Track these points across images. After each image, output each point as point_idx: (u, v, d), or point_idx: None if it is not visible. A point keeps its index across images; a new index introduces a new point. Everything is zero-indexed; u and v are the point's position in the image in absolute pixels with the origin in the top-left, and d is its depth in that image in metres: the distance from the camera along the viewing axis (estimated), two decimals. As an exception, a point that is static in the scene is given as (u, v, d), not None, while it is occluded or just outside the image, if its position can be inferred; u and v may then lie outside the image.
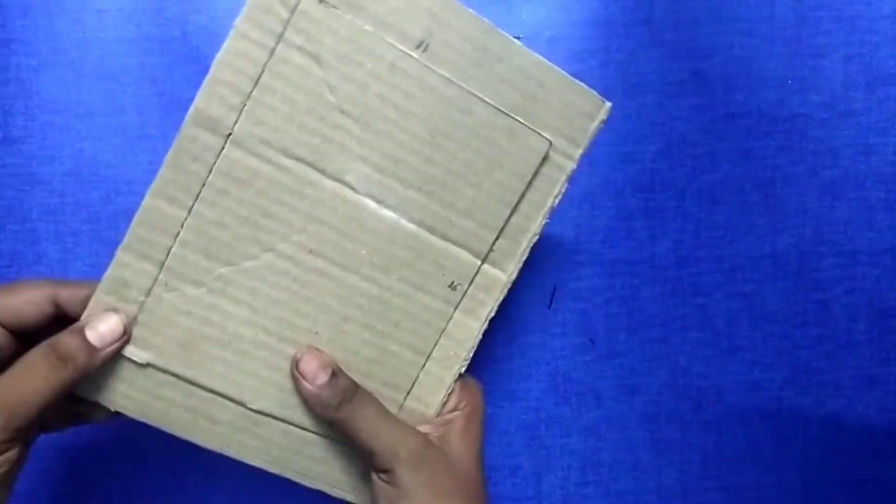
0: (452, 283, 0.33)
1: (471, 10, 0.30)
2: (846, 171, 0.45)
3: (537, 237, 0.33)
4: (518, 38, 0.42)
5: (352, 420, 0.31)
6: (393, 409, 0.33)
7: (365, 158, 0.31)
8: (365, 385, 0.32)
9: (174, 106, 0.41)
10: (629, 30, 0.44)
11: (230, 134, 0.29)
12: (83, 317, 0.30)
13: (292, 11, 0.29)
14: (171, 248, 0.30)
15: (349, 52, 0.29)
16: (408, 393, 0.33)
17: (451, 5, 0.30)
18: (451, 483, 0.31)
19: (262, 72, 0.29)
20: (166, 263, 0.30)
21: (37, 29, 0.41)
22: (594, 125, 0.32)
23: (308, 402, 0.31)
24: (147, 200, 0.29)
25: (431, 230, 0.32)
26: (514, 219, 0.33)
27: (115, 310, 0.30)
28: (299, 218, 0.31)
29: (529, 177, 0.32)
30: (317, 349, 0.32)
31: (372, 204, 0.31)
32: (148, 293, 0.30)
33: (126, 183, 0.41)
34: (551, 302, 0.44)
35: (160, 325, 0.31)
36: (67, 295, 0.30)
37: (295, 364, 0.31)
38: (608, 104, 0.32)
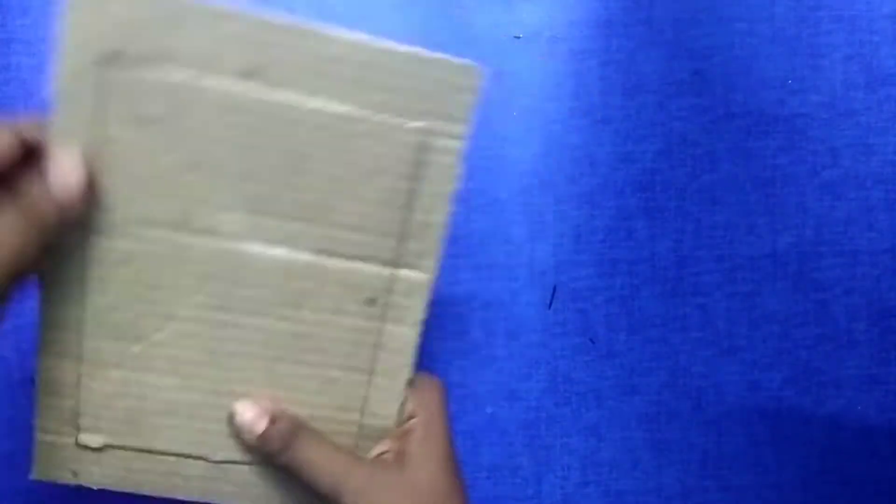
0: (368, 298, 0.31)
1: (292, 21, 0.27)
2: (846, 171, 0.45)
3: (446, 227, 0.31)
4: (517, 37, 0.43)
5: (295, 462, 0.30)
6: (353, 430, 0.33)
7: (229, 206, 0.29)
8: (317, 415, 0.32)
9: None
10: (629, 30, 0.44)
11: (90, 227, 0.28)
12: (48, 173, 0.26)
13: (98, 87, 0.27)
14: (80, 341, 0.30)
15: (174, 108, 0.27)
16: (362, 411, 0.33)
17: (268, 25, 0.27)
18: (402, 494, 0.30)
19: (97, 156, 0.27)
20: (83, 356, 0.30)
21: (37, 29, 0.41)
22: (472, 96, 0.29)
23: (249, 449, 0.32)
24: (42, 308, 0.29)
25: (328, 253, 0.30)
26: (414, 217, 0.31)
27: (70, 150, 0.27)
28: (189, 280, 0.30)
29: (411, 171, 0.30)
30: (250, 400, 0.31)
31: (255, 247, 0.30)
32: (78, 385, 0.31)
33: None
34: (551, 302, 0.44)
35: (100, 409, 0.31)
36: (30, 129, 0.27)
37: (231, 418, 0.31)
38: (478, 68, 0.29)
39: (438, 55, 0.28)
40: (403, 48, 0.28)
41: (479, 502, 0.44)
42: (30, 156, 0.27)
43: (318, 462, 0.30)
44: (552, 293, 0.44)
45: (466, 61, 0.29)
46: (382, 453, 0.33)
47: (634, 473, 0.44)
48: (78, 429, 0.31)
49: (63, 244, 0.28)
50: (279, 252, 0.30)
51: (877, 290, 0.45)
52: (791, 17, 0.45)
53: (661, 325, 0.44)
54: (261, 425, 0.30)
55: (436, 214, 0.31)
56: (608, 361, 0.44)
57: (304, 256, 0.30)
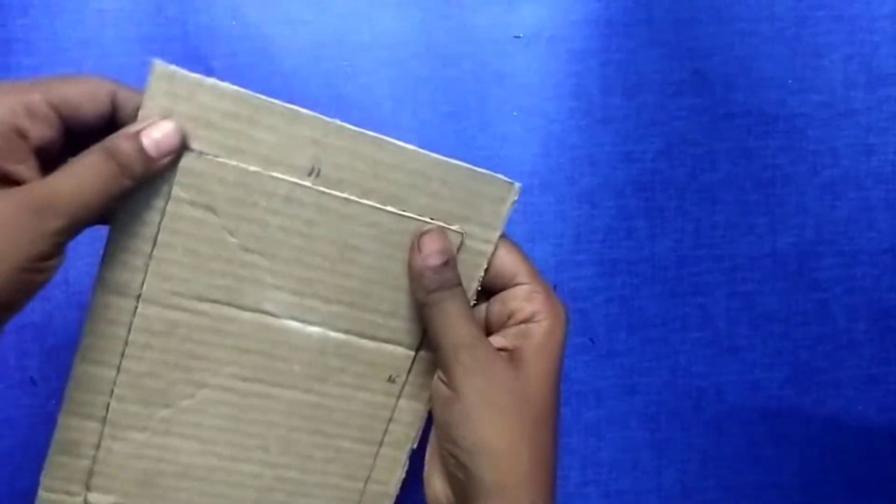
0: (390, 376, 0.33)
1: (355, 128, 0.30)
2: (846, 171, 0.45)
3: None
4: (518, 37, 0.43)
5: (435, 308, 0.31)
6: (355, 498, 0.34)
7: (279, 287, 0.31)
8: (324, 482, 0.34)
9: (174, 105, 0.41)
10: (629, 30, 0.44)
11: (140, 294, 0.30)
12: (138, 123, 0.28)
13: (175, 169, 0.29)
14: (108, 404, 0.31)
15: (241, 196, 0.29)
16: (366, 481, 0.34)
17: (333, 128, 0.30)
18: (509, 398, 0.30)
19: (159, 231, 0.29)
20: (108, 418, 0.31)
21: (37, 29, 0.41)
22: (506, 207, 0.32)
23: (412, 272, 0.31)
24: (76, 367, 0.30)
25: (360, 335, 0.33)
26: None
27: (169, 117, 0.28)
28: (226, 353, 0.31)
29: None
30: (439, 232, 0.31)
31: (295, 324, 0.32)
32: (97, 447, 0.32)
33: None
34: (551, 301, 0.44)
35: (116, 470, 0.32)
36: (125, 96, 0.28)
37: (419, 236, 0.31)
38: (517, 185, 0.32)
39: (482, 170, 0.31)
40: (451, 161, 0.31)
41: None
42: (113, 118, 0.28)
43: (456, 321, 0.30)
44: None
45: (505, 178, 0.32)
46: (501, 349, 0.32)
47: (634, 473, 0.44)
48: (88, 488, 0.32)
49: (109, 307, 0.30)
50: (315, 330, 0.32)
51: (877, 290, 0.45)
52: (791, 17, 0.45)
53: (661, 324, 0.44)
54: (437, 259, 0.30)
55: None
56: (608, 361, 0.44)
57: (339, 336, 0.32)
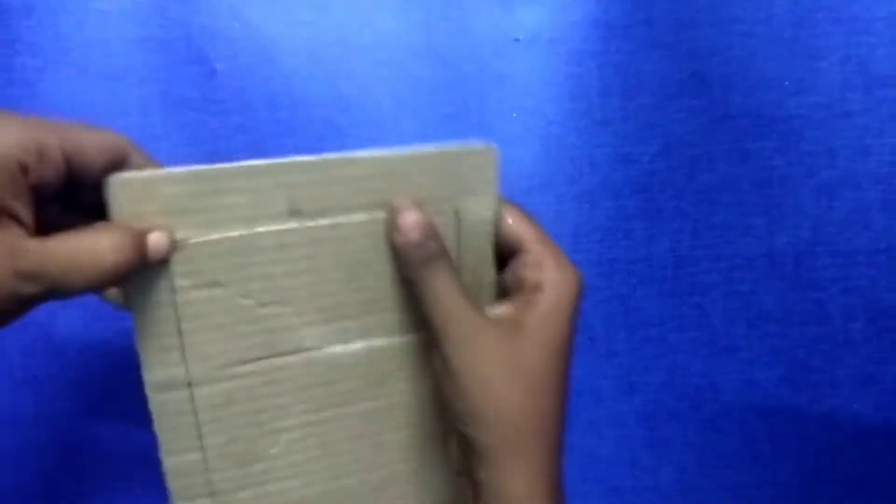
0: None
1: (315, 157, 0.30)
2: (843, 172, 0.45)
3: (494, 285, 0.34)
4: (517, 39, 0.43)
5: (422, 284, 0.31)
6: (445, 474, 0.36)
7: (310, 323, 0.32)
8: (422, 465, 0.35)
9: (177, 106, 0.42)
10: (628, 31, 0.44)
11: (189, 382, 0.31)
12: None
13: (170, 264, 0.30)
14: (208, 479, 0.33)
15: (237, 261, 0.30)
16: (447, 457, 0.36)
17: (296, 167, 0.30)
18: (499, 369, 0.30)
19: (179, 321, 0.30)
20: (213, 490, 0.33)
21: (41, 30, 0.41)
22: (492, 171, 0.32)
23: (396, 252, 0.31)
24: (166, 461, 0.32)
25: (399, 333, 0.34)
26: (465, 279, 0.33)
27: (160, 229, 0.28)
28: (289, 397, 0.33)
29: (453, 244, 0.33)
30: (416, 207, 0.31)
31: (338, 348, 0.33)
32: None
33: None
34: (550, 301, 0.44)
35: None
36: (137, 160, 0.29)
37: (393, 213, 0.31)
38: (493, 147, 0.32)
39: (454, 146, 0.31)
40: (420, 150, 0.31)
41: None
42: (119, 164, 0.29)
43: (442, 294, 0.30)
44: (551, 292, 0.44)
45: (481, 144, 0.31)
46: (501, 318, 0.31)
47: (632, 471, 0.45)
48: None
49: (167, 403, 0.31)
50: (358, 346, 0.33)
51: (873, 290, 0.45)
52: (789, 19, 0.45)
53: (659, 324, 0.44)
54: (415, 234, 0.30)
55: (484, 274, 0.33)
56: (606, 360, 0.44)
57: (381, 342, 0.33)
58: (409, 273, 0.31)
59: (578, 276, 0.32)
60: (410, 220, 0.30)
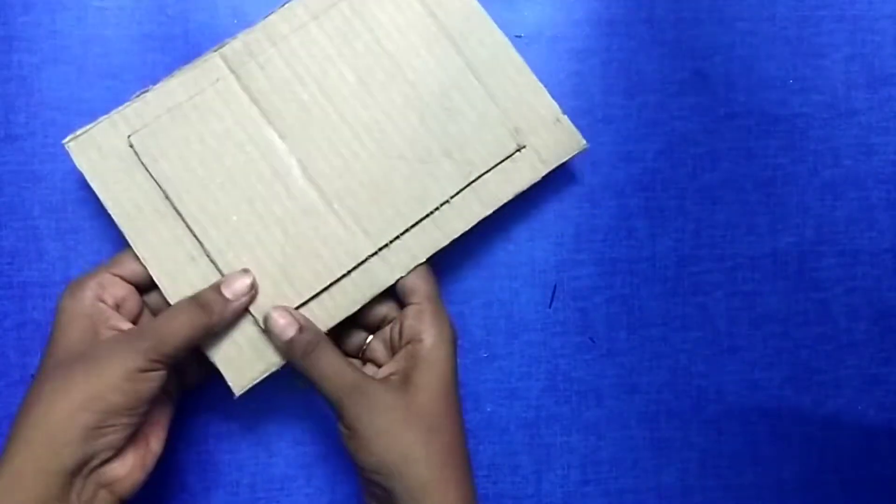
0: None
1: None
2: (847, 171, 0.45)
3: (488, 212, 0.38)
4: (519, 36, 0.43)
5: (311, 371, 0.35)
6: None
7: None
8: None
9: (176, 104, 0.41)
10: (630, 29, 0.44)
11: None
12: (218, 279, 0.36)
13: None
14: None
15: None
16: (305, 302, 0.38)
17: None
18: (395, 418, 0.33)
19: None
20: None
21: (39, 26, 0.41)
22: (567, 154, 0.40)
23: (278, 351, 0.36)
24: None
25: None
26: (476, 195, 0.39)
27: (245, 272, 0.36)
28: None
29: (499, 160, 0.39)
30: (285, 308, 0.36)
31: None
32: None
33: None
34: (552, 300, 0.44)
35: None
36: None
37: (265, 320, 0.36)
38: (584, 144, 0.39)
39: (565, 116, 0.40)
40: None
41: (479, 500, 0.44)
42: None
43: (329, 376, 0.34)
44: (552, 292, 0.44)
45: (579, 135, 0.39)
46: (391, 374, 0.36)
47: (634, 472, 0.44)
48: (255, 294, 0.37)
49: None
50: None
51: (877, 290, 0.45)
52: (793, 17, 0.45)
53: (662, 324, 0.44)
54: (289, 332, 0.35)
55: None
56: (608, 360, 0.44)
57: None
58: (296, 366, 0.35)
59: (451, 326, 0.37)
60: (282, 321, 0.35)
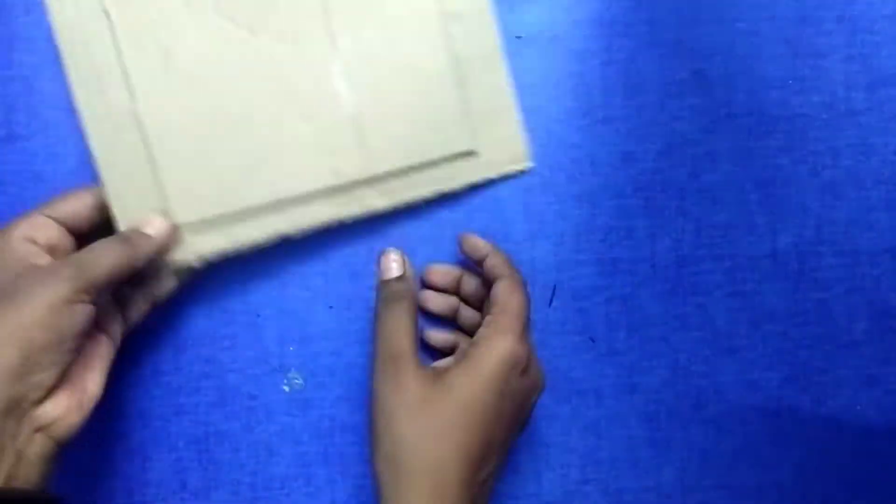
0: (336, 169, 0.38)
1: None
2: (847, 172, 0.45)
3: (417, 201, 0.40)
4: (519, 37, 0.43)
5: (383, 317, 0.36)
6: None
7: (358, 36, 0.38)
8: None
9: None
10: (630, 29, 0.44)
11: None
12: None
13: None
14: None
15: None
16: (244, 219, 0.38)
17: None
18: (410, 410, 0.33)
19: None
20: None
21: (39, 26, 0.41)
22: (512, 167, 0.41)
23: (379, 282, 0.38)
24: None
25: (355, 124, 0.38)
26: (414, 175, 0.40)
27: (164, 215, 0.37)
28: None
29: (444, 156, 0.40)
30: (401, 252, 0.38)
31: (337, 68, 0.38)
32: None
33: (128, 180, 0.41)
34: (552, 300, 0.44)
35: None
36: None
37: (379, 255, 0.38)
38: (529, 164, 0.41)
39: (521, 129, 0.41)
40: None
41: (479, 500, 0.44)
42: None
43: (390, 333, 0.35)
44: (552, 292, 0.44)
45: (526, 153, 0.41)
46: (434, 367, 0.37)
47: (634, 472, 0.44)
48: (173, 234, 0.37)
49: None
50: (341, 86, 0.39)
51: (877, 290, 0.45)
52: (792, 18, 0.45)
53: (661, 324, 0.44)
54: (393, 273, 0.37)
55: (422, 189, 0.40)
56: (608, 360, 0.44)
57: (350, 109, 0.39)
58: (378, 306, 0.36)
59: (516, 348, 0.35)
60: (390, 260, 0.37)
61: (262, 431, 0.42)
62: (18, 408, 0.30)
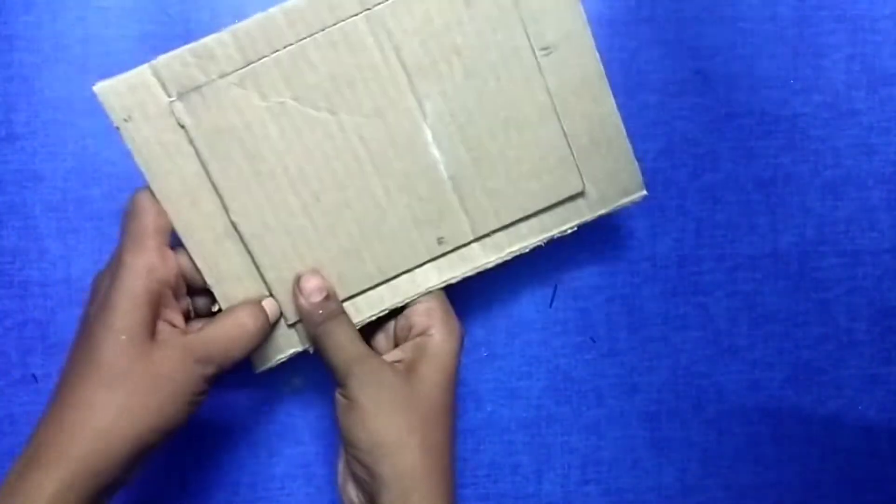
0: (441, 238, 0.37)
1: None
2: (848, 171, 0.45)
3: (526, 251, 0.37)
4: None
5: (325, 337, 0.35)
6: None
7: (445, 95, 0.35)
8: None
9: (176, 103, 0.41)
10: (632, 29, 0.44)
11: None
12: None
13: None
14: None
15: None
16: (352, 296, 0.37)
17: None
18: (398, 399, 0.34)
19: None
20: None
21: (40, 26, 0.41)
22: (626, 200, 0.38)
23: (299, 312, 0.36)
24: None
25: (456, 188, 0.36)
26: (522, 224, 0.37)
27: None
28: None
29: (553, 202, 0.37)
30: (318, 272, 0.36)
31: (429, 135, 0.35)
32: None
33: (128, 180, 0.41)
34: (552, 300, 0.44)
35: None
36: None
37: (297, 280, 0.36)
38: (644, 192, 0.38)
39: (634, 158, 0.38)
40: (623, 131, 0.38)
41: (480, 500, 0.44)
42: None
43: (344, 345, 0.35)
44: (553, 292, 0.44)
45: (642, 181, 0.38)
46: (396, 361, 0.36)
47: (634, 472, 0.44)
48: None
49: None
50: (435, 154, 0.36)
51: (878, 290, 0.45)
52: (793, 17, 0.45)
53: (662, 324, 0.44)
54: (317, 297, 0.35)
55: (532, 238, 0.38)
56: (609, 360, 0.44)
57: (443, 174, 0.36)
58: (313, 329, 0.35)
59: (460, 327, 0.37)
60: (312, 284, 0.35)
61: (262, 431, 0.42)
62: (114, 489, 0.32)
